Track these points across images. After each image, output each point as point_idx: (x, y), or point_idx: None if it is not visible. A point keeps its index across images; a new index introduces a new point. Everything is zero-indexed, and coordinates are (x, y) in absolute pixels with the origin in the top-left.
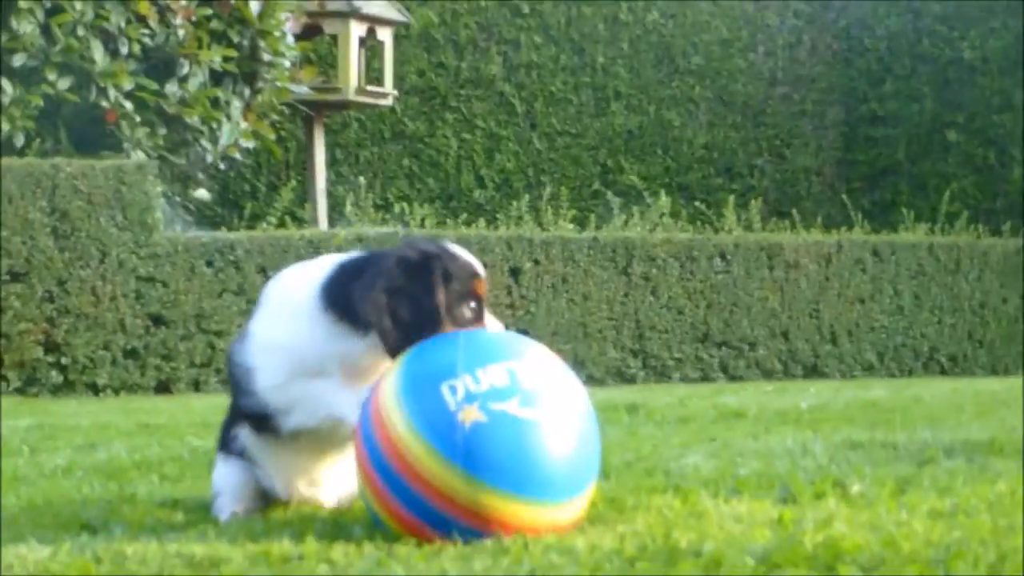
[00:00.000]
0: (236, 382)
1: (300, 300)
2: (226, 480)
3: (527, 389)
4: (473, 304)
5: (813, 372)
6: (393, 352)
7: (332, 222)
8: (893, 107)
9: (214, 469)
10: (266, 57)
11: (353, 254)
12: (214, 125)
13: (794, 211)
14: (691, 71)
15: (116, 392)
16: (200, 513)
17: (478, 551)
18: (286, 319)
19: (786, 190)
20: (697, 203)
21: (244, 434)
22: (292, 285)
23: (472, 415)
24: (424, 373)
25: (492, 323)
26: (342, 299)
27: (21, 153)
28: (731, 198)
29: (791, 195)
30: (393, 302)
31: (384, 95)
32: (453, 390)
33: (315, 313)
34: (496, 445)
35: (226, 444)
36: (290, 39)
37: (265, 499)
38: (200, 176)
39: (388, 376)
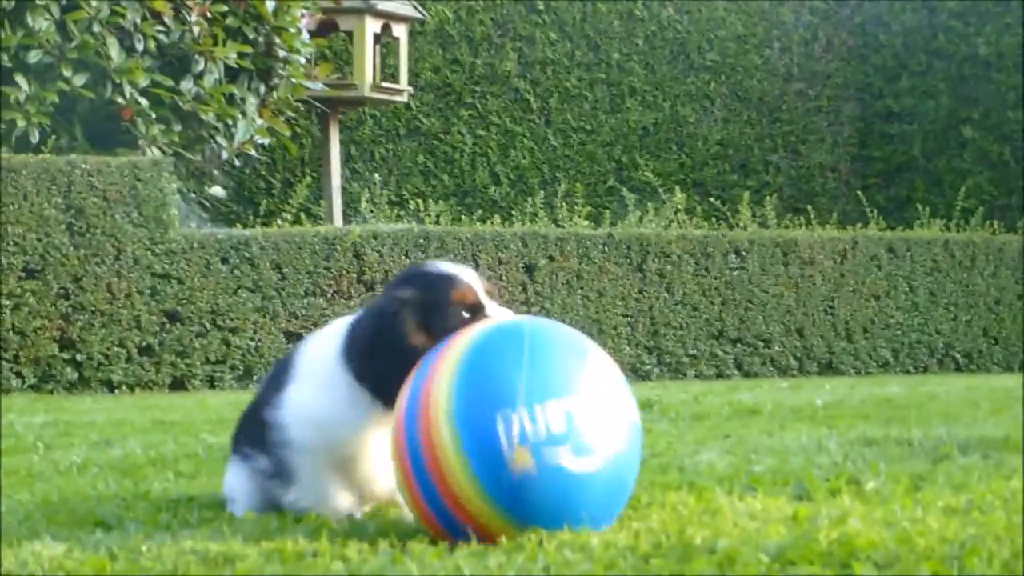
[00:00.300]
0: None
1: (325, 367)
2: (240, 486)
3: (582, 437)
4: (468, 315)
5: (828, 369)
6: (390, 404)
7: (347, 219)
8: (908, 103)
9: (228, 471)
10: (281, 54)
11: (359, 313)
12: (229, 122)
13: (809, 207)
14: (706, 67)
15: (131, 389)
16: (215, 510)
17: (492, 549)
18: (315, 386)
19: (801, 186)
20: (712, 199)
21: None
22: (318, 352)
23: (523, 461)
24: (483, 394)
25: (499, 314)
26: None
27: (36, 150)
28: (746, 194)
29: (806, 191)
30: (375, 360)
31: (399, 92)
32: (508, 425)
33: (338, 378)
34: (543, 498)
35: (240, 448)
36: (305, 36)
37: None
38: (215, 173)
39: (445, 369)
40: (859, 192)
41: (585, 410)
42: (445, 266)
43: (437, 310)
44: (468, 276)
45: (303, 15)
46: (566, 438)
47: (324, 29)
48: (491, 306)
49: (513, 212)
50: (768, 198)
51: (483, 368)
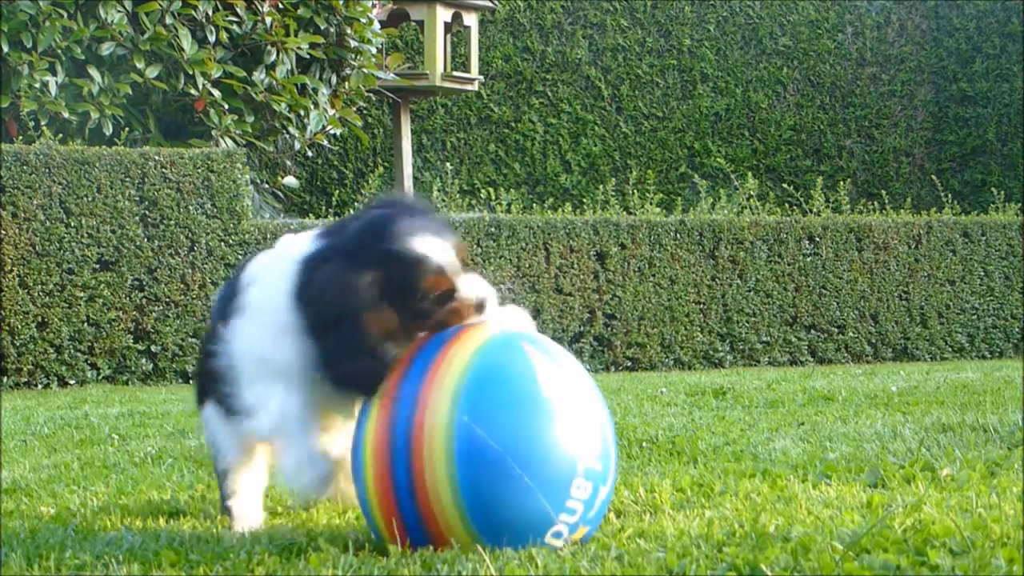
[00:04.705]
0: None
1: (275, 309)
2: (223, 435)
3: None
4: (440, 300)
5: (903, 355)
6: (339, 384)
7: None
8: (983, 86)
9: (205, 420)
10: (353, 44)
11: (316, 243)
12: (301, 112)
13: (883, 192)
14: (778, 52)
15: None
16: (288, 499)
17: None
18: (263, 327)
19: (875, 171)
20: (785, 185)
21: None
22: (268, 287)
23: (579, 536)
24: (515, 530)
25: (473, 288)
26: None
27: (110, 142)
28: (819, 180)
29: (880, 176)
30: (326, 336)
31: (470, 80)
32: (559, 535)
33: (287, 324)
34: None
35: (211, 391)
36: (376, 26)
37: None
38: (288, 163)
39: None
40: (933, 176)
41: (594, 453)
42: (414, 238)
43: (404, 296)
44: (438, 251)
45: (374, 5)
46: (600, 480)
47: (395, 19)
48: (464, 283)
49: (584, 200)
50: (841, 183)
51: (495, 507)
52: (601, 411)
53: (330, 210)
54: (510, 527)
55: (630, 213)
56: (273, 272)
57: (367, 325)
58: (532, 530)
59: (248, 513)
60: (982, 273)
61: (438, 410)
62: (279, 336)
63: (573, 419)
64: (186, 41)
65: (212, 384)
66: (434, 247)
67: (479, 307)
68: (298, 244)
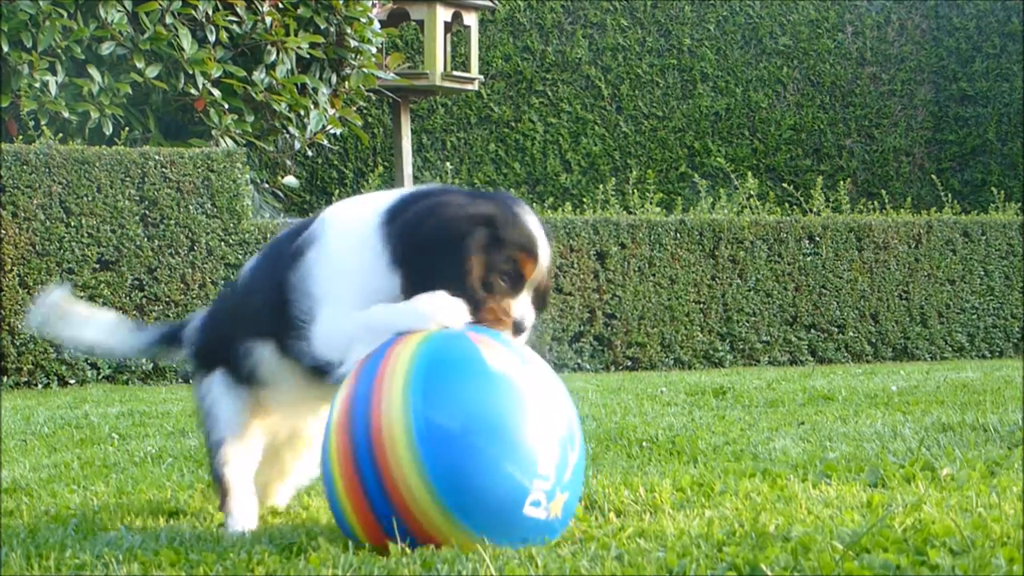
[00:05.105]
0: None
1: (362, 231)
2: (228, 402)
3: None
4: (511, 282)
5: (903, 354)
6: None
7: None
8: (983, 86)
9: (207, 389)
10: (353, 43)
11: (423, 188)
12: (301, 112)
13: (883, 192)
14: (778, 52)
15: None
16: (288, 500)
17: (565, 537)
18: (349, 249)
19: (875, 171)
20: (785, 185)
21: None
22: (355, 215)
23: (559, 505)
24: (491, 504)
25: (522, 309)
26: (394, 235)
27: (110, 142)
28: (819, 179)
29: (880, 176)
30: (424, 256)
31: (470, 80)
32: (537, 503)
33: (375, 245)
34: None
35: (222, 362)
36: (376, 25)
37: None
38: (288, 163)
39: (403, 445)
40: (933, 176)
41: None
42: (535, 224)
43: (497, 261)
44: (546, 249)
45: (374, 5)
46: (568, 447)
47: (395, 18)
48: (523, 298)
49: (584, 200)
50: (842, 183)
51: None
52: (557, 383)
53: None
54: (485, 501)
55: (630, 213)
56: (354, 215)
57: (470, 261)
58: (509, 502)
59: (239, 484)
60: (982, 273)
61: (392, 402)
62: (364, 267)
63: (527, 389)
64: (186, 41)
65: (224, 352)
66: (546, 244)
67: (517, 326)
68: (376, 197)
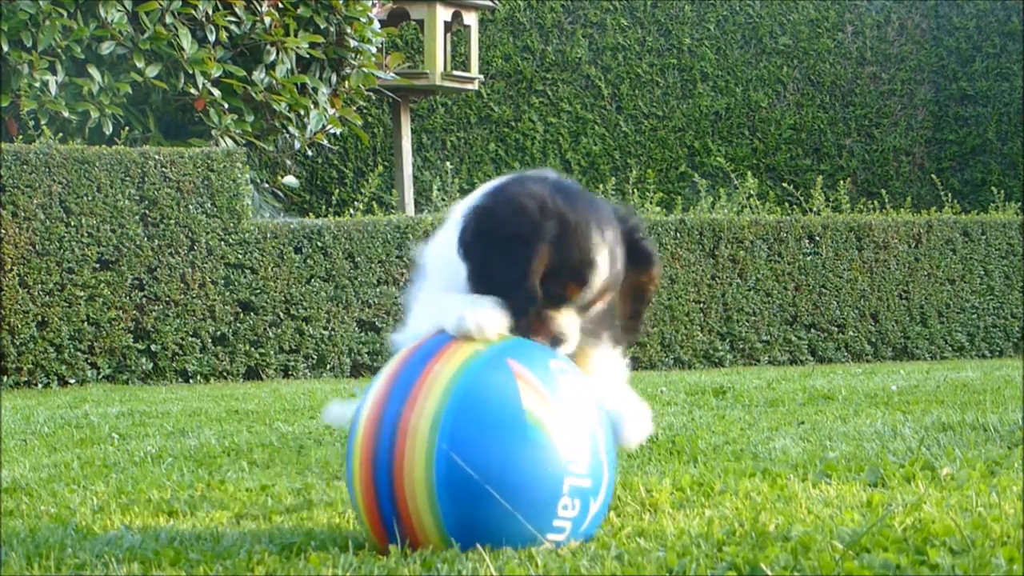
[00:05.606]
0: None
1: (454, 220)
2: None
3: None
4: (559, 289)
5: (903, 353)
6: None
7: (419, 207)
8: (983, 85)
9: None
10: (352, 43)
11: (511, 178)
12: (301, 112)
13: (883, 191)
14: (778, 51)
15: (205, 379)
16: (289, 499)
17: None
18: (444, 239)
19: (875, 170)
20: (785, 184)
21: None
22: (462, 203)
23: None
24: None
25: (567, 325)
26: (460, 227)
27: (110, 141)
28: (819, 179)
29: (880, 175)
30: (473, 253)
31: (470, 80)
32: (560, 530)
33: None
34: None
35: None
36: (376, 25)
37: None
38: (288, 163)
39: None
40: (933, 176)
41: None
42: (598, 240)
43: (562, 263)
44: (609, 264)
45: (374, 4)
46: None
47: (395, 18)
48: (570, 314)
49: None
50: (841, 182)
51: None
52: (592, 423)
53: (330, 209)
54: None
55: None
56: (461, 204)
57: (536, 253)
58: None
59: None
60: (982, 272)
61: (418, 437)
62: (447, 258)
63: (557, 438)
64: (186, 40)
65: None
66: (609, 260)
67: (556, 339)
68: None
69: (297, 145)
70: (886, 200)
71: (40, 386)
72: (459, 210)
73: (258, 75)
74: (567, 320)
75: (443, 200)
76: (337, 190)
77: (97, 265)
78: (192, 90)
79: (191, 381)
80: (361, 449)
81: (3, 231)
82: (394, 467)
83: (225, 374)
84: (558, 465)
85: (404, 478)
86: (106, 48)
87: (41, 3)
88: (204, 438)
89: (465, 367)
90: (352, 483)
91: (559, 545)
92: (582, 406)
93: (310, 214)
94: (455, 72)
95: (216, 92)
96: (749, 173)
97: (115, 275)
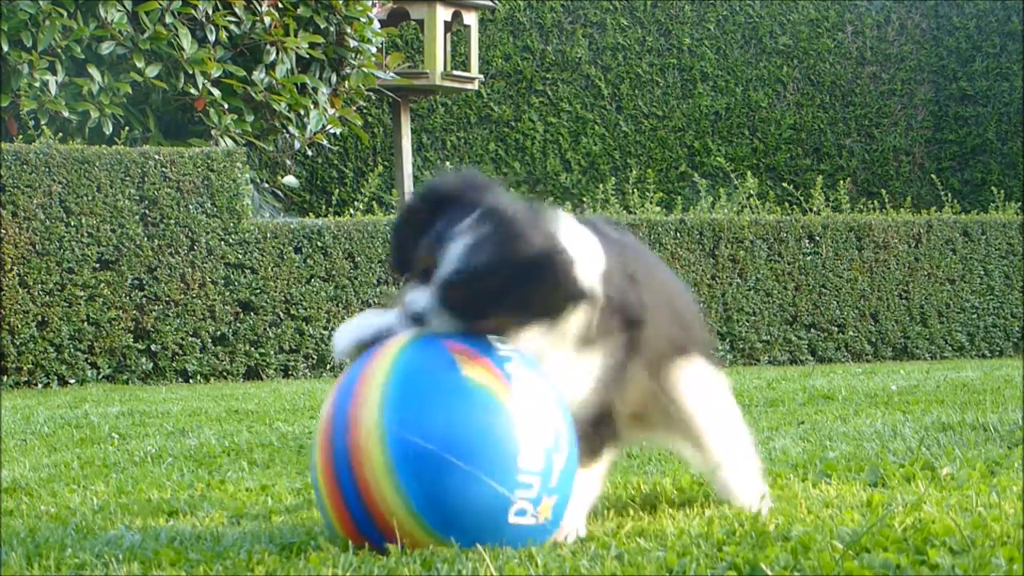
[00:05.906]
0: None
1: None
2: None
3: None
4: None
5: (903, 353)
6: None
7: None
8: (983, 85)
9: None
10: (352, 43)
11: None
12: (301, 112)
13: (883, 191)
14: (778, 51)
15: (205, 379)
16: (289, 498)
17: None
18: None
19: (875, 170)
20: (785, 184)
21: None
22: None
23: (547, 508)
24: (474, 519)
25: (417, 297)
26: None
27: (110, 141)
28: (819, 179)
29: (880, 175)
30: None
31: (470, 80)
32: (522, 512)
33: None
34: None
35: None
36: (376, 25)
37: None
38: (288, 163)
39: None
40: (933, 175)
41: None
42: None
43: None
44: (584, 283)
45: (374, 4)
46: (554, 451)
47: (395, 18)
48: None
49: (584, 199)
50: (841, 182)
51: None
52: (544, 388)
53: (330, 209)
54: (466, 517)
55: (630, 212)
56: None
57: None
58: (491, 515)
59: None
60: (982, 272)
61: (368, 425)
62: None
63: (505, 400)
64: (186, 40)
65: None
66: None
67: (412, 316)
68: None
69: (297, 145)
70: (886, 200)
71: (40, 386)
72: None
73: (258, 75)
74: (419, 295)
75: None
76: (337, 190)
77: (97, 265)
78: (192, 90)
79: (191, 381)
80: (321, 453)
81: (3, 231)
82: (352, 460)
83: (225, 374)
84: (509, 422)
85: (363, 467)
86: (106, 48)
87: (41, 3)
88: (204, 438)
89: (400, 354)
90: (318, 488)
91: (535, 503)
92: (527, 369)
93: (310, 214)
94: (455, 72)
95: (216, 92)
96: (749, 173)
97: (115, 275)
